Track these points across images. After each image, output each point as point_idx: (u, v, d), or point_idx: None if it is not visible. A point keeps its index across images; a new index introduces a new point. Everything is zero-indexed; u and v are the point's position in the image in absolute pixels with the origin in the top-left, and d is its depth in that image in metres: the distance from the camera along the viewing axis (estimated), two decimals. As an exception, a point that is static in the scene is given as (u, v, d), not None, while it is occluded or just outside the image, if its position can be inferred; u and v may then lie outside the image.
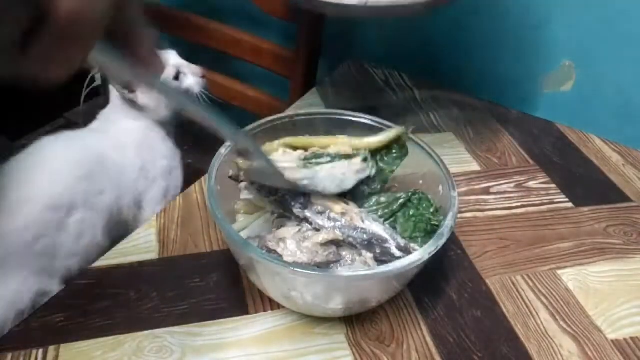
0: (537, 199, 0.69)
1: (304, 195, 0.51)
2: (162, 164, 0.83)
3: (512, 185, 0.72)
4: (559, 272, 0.59)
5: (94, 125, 0.83)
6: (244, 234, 0.51)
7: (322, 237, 0.48)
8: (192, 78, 0.81)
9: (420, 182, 0.56)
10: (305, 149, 0.55)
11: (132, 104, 0.81)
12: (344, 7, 0.45)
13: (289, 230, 0.49)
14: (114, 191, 0.76)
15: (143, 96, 0.79)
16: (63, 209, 0.69)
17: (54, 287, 0.68)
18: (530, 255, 0.61)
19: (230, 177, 0.54)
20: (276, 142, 0.55)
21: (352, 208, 0.51)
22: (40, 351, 0.49)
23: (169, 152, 0.85)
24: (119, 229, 0.77)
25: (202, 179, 0.69)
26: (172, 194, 0.83)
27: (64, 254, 0.70)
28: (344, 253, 0.49)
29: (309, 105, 0.85)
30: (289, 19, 0.96)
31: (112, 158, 0.77)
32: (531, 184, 0.72)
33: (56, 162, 0.73)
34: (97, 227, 0.74)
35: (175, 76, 0.81)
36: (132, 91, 0.79)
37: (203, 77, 0.82)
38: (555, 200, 0.69)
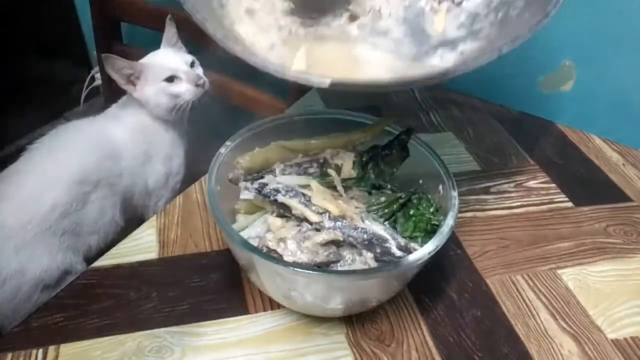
0: (537, 198, 0.69)
1: (304, 195, 0.51)
2: (163, 150, 0.87)
3: (512, 185, 0.72)
4: (559, 271, 0.59)
5: (110, 110, 0.87)
6: (244, 234, 0.51)
7: (322, 237, 0.48)
8: (185, 85, 0.82)
9: (420, 182, 0.56)
10: (302, 152, 0.56)
11: (130, 96, 0.84)
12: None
13: (289, 230, 0.49)
14: (130, 176, 0.81)
15: (138, 91, 0.82)
16: (90, 183, 0.75)
17: (78, 265, 0.74)
18: (530, 255, 0.61)
19: (230, 180, 0.54)
20: (273, 144, 0.55)
21: (352, 208, 0.51)
22: (40, 351, 0.49)
23: (170, 141, 0.88)
24: (130, 214, 0.84)
25: (202, 179, 0.69)
26: (175, 180, 0.89)
27: (86, 231, 0.76)
28: (344, 253, 0.49)
29: (308, 105, 0.85)
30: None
31: (126, 144, 0.82)
32: (531, 183, 0.72)
33: (84, 142, 0.79)
34: (116, 207, 0.80)
35: (169, 78, 0.81)
36: (130, 84, 0.81)
37: (199, 86, 0.82)
38: (555, 200, 0.69)
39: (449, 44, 0.44)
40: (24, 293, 0.70)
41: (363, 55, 0.45)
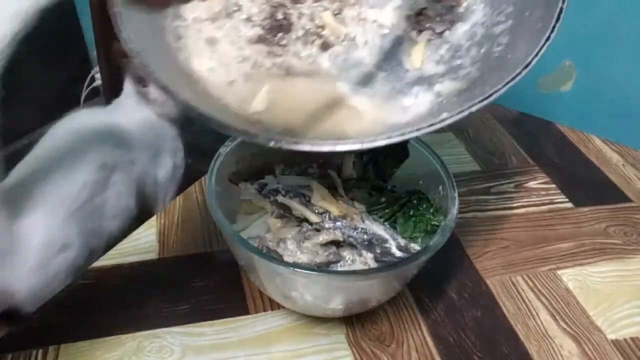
0: (537, 199, 0.69)
1: (304, 196, 0.51)
2: (169, 143, 0.90)
3: (512, 185, 0.72)
4: (559, 272, 0.59)
5: (112, 107, 0.89)
6: (244, 234, 0.51)
7: (322, 237, 0.48)
8: None
9: (420, 182, 0.56)
10: (302, 152, 0.55)
11: (143, 96, 0.86)
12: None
13: (289, 230, 0.49)
14: (141, 165, 0.83)
15: (154, 92, 0.83)
16: (109, 167, 0.76)
17: (100, 250, 0.73)
18: (530, 256, 0.61)
19: (230, 180, 0.54)
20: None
21: (352, 208, 0.51)
22: (40, 351, 0.49)
23: (174, 135, 0.91)
24: (142, 204, 0.85)
25: (202, 179, 0.69)
26: (179, 173, 0.91)
27: (108, 214, 0.77)
28: (344, 253, 0.49)
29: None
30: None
31: (134, 135, 0.84)
32: (531, 184, 0.72)
33: (98, 129, 0.81)
34: (130, 194, 0.81)
35: None
36: (144, 86, 0.83)
37: None
38: (555, 201, 0.69)
39: (426, 81, 0.41)
40: (65, 272, 0.70)
41: (332, 94, 0.42)
